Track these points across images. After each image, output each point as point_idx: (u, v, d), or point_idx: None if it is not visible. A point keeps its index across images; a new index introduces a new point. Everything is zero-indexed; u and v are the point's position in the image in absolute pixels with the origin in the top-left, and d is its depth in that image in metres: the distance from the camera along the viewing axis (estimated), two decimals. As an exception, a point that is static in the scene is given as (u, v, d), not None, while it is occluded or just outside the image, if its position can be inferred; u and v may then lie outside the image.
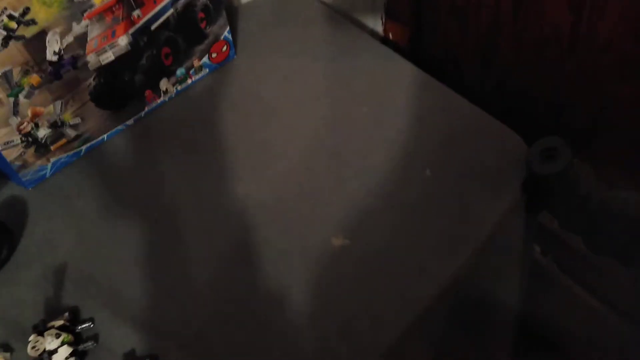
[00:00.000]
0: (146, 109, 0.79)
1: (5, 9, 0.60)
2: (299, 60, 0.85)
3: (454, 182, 0.69)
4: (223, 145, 0.76)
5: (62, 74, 0.68)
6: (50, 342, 0.58)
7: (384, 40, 1.21)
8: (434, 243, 0.64)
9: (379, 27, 1.20)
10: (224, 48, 0.83)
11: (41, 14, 0.63)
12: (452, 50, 1.11)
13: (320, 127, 0.77)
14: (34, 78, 0.66)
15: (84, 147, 0.75)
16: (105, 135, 0.77)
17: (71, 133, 0.73)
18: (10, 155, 0.69)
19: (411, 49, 1.18)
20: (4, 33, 0.61)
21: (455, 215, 0.67)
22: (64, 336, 0.59)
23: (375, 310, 0.60)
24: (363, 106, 0.78)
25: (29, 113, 0.68)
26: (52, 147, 0.72)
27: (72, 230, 0.70)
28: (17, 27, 0.62)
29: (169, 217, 0.70)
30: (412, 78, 0.81)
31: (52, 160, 0.73)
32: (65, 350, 0.58)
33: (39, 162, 0.72)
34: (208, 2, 0.77)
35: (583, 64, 0.91)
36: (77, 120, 0.73)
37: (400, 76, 0.82)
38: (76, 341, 0.59)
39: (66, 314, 0.61)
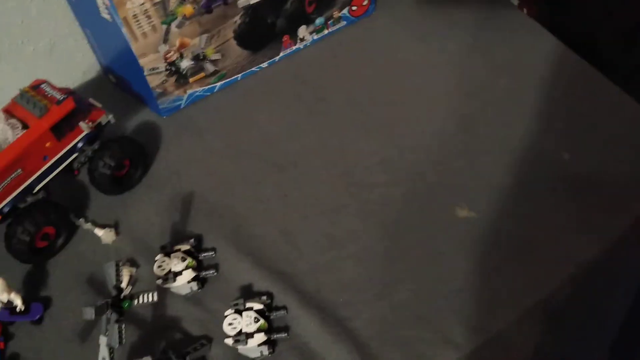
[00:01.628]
0: (281, 53, 0.80)
1: (174, -64, 0.61)
2: (439, 22, 0.83)
3: (594, 171, 0.66)
4: (353, 99, 0.75)
5: (212, 8, 0.69)
6: (176, 264, 0.60)
7: (519, 15, 1.15)
8: (563, 230, 0.62)
9: (514, 1, 1.15)
10: (365, 2, 0.82)
11: (205, -54, 0.63)
12: (591, 30, 1.05)
13: (455, 94, 0.75)
14: (188, 9, 0.67)
15: (218, 84, 0.77)
16: (239, 75, 0.78)
17: (210, 68, 0.75)
18: (153, 81, 0.71)
19: (548, 27, 1.13)
20: (169, -40, 0.62)
21: (592, 206, 0.63)
22: (188, 260, 0.61)
23: (487, 293, 0.58)
24: (502, 78, 0.75)
25: (177, 43, 0.70)
26: (190, 79, 0.74)
27: (201, 162, 0.72)
28: (182, -44, 0.63)
29: (292, 163, 0.70)
30: (557, 54, 0.77)
31: (189, 92, 0.75)
32: (189, 274, 0.60)
33: (176, 92, 0.74)
34: (359, -48, 0.76)
35: None
36: (218, 56, 0.74)
37: (544, 50, 0.78)
38: (198, 267, 0.62)
39: (192, 240, 0.63)
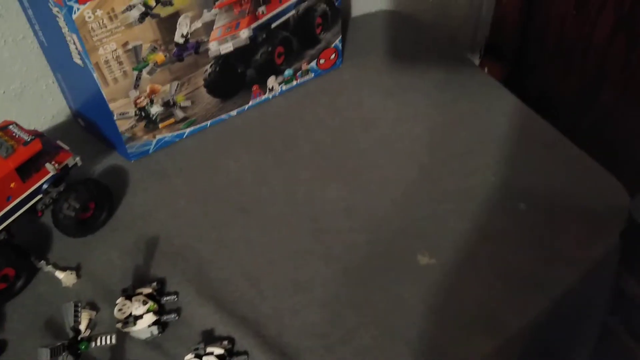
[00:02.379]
0: (251, 102, 0.82)
1: (149, -13, 0.63)
2: (404, 78, 0.86)
3: (549, 221, 0.68)
4: (320, 148, 0.77)
5: (184, 57, 0.71)
6: (137, 308, 0.60)
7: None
8: (521, 278, 0.63)
9: (475, 60, 1.21)
10: (333, 56, 0.85)
11: (178, -3, 0.66)
12: (549, 89, 1.10)
13: (418, 144, 0.77)
14: (159, 56, 0.69)
15: (187, 130, 0.78)
16: (209, 122, 0.79)
17: (180, 114, 0.76)
18: (122, 126, 0.72)
19: (509, 82, 1.18)
20: (143, 9, 0.64)
21: (546, 254, 0.65)
22: (150, 304, 0.60)
23: (449, 336, 0.59)
24: (462, 130, 0.78)
25: (148, 89, 0.71)
26: (160, 125, 0.75)
27: (167, 205, 0.72)
28: (155, 6, 0.65)
29: (259, 208, 0.71)
30: (515, 110, 0.81)
31: (158, 137, 0.76)
32: (150, 318, 0.60)
33: (145, 137, 0.75)
34: (327, 9, 0.79)
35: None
36: (188, 103, 0.76)
37: (503, 107, 0.81)
38: (160, 311, 0.61)
39: (154, 284, 0.63)
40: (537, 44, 1.08)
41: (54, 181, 0.65)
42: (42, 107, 0.79)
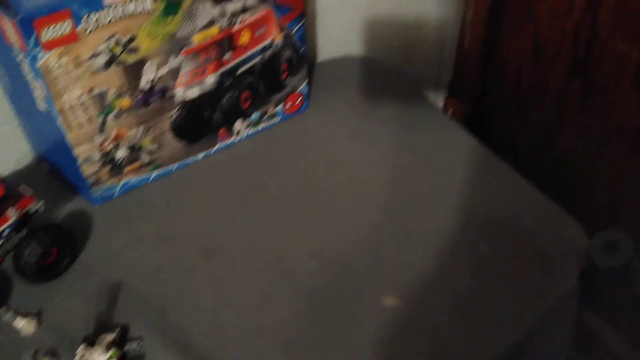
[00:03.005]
0: (217, 146, 0.82)
1: (114, 34, 0.64)
2: (369, 121, 0.88)
3: (510, 261, 0.69)
4: (286, 190, 0.78)
5: (150, 102, 0.72)
6: (99, 355, 0.59)
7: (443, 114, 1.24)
8: (483, 318, 0.64)
9: (439, 101, 1.24)
10: (299, 100, 0.87)
11: (145, 44, 0.67)
12: (511, 131, 1.13)
13: (382, 186, 0.79)
14: (125, 101, 0.70)
15: (153, 174, 0.78)
16: (174, 165, 0.80)
17: (145, 158, 0.76)
18: (87, 170, 0.72)
19: (468, 125, 1.21)
20: (109, 56, 0.65)
21: (507, 294, 0.66)
22: (112, 351, 0.59)
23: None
24: (426, 172, 0.80)
25: (113, 133, 0.71)
26: (125, 169, 0.75)
27: (131, 250, 0.72)
28: (121, 53, 0.66)
29: (224, 252, 0.71)
30: (476, 153, 0.83)
31: (123, 181, 0.76)
32: (112, 366, 0.59)
33: (110, 181, 0.75)
34: (293, 55, 0.81)
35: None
36: (154, 146, 0.76)
37: (465, 150, 0.83)
38: (123, 358, 0.60)
39: (117, 330, 0.62)
40: (497, 86, 1.11)
41: (16, 227, 0.64)
42: (6, 152, 0.79)
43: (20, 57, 0.62)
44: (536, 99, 1.04)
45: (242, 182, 0.80)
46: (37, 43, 0.60)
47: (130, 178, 0.77)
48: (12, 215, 0.62)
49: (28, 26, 0.59)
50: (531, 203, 0.76)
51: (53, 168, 0.77)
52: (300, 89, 0.86)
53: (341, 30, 1.00)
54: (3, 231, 0.63)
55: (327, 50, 1.00)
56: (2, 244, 0.64)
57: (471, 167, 0.81)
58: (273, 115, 0.86)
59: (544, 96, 1.02)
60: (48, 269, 0.67)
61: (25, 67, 0.63)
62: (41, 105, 0.67)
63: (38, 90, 0.65)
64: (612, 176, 0.97)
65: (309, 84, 0.92)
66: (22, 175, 0.80)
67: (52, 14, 0.59)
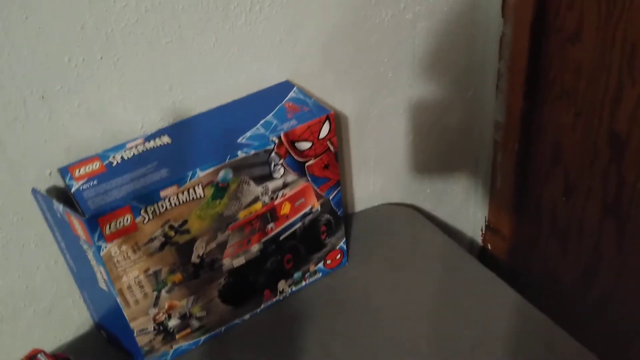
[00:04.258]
0: (262, 305, 0.86)
1: (169, 220, 0.71)
2: (406, 273, 0.91)
3: None
4: (329, 349, 0.80)
5: (200, 274, 0.77)
6: None
7: (483, 250, 1.26)
8: None
9: (478, 237, 1.27)
10: (338, 256, 0.91)
11: (195, 226, 0.73)
12: (552, 269, 1.14)
13: (424, 344, 0.80)
14: (177, 276, 0.75)
15: (203, 337, 0.82)
16: (223, 328, 0.84)
17: (195, 324, 0.81)
18: (142, 341, 0.77)
19: (510, 262, 1.23)
20: (163, 239, 0.72)
21: None
22: None
23: None
24: (466, 328, 0.82)
25: (166, 305, 0.76)
26: (177, 336, 0.80)
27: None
28: (175, 236, 0.72)
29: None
30: (516, 306, 0.85)
31: (175, 347, 0.80)
32: None
33: (163, 349, 0.79)
34: (331, 218, 0.87)
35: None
36: (203, 313, 0.80)
37: (504, 302, 0.85)
38: None
39: None
40: (534, 225, 1.14)
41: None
42: (68, 321, 0.84)
43: (85, 246, 0.69)
44: (574, 237, 1.06)
45: (286, 342, 0.83)
46: (101, 236, 0.67)
47: (181, 344, 0.81)
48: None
49: (94, 223, 0.66)
50: (572, 357, 0.77)
51: (111, 336, 0.82)
52: (339, 246, 0.91)
53: (377, 178, 1.06)
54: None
55: (363, 200, 1.05)
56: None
57: (511, 322, 0.82)
58: (314, 273, 0.90)
59: (580, 235, 1.04)
60: None
61: (90, 254, 0.70)
62: (102, 285, 0.73)
63: (100, 274, 0.71)
64: (657, 317, 0.96)
65: (347, 237, 0.97)
66: (82, 341, 0.85)
67: (114, 211, 0.66)
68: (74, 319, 0.85)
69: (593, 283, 1.05)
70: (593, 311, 1.07)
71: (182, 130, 0.77)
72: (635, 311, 0.99)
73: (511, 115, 1.06)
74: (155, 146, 0.74)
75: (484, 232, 1.25)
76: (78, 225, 0.67)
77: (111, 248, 0.68)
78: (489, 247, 1.26)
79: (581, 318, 1.10)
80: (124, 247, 0.69)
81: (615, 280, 1.01)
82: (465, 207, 1.21)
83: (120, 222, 0.67)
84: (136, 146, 0.74)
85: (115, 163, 0.72)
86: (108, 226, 0.67)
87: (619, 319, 1.02)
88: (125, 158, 0.73)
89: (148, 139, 0.76)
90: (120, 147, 0.75)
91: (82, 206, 0.67)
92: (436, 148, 1.10)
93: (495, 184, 1.16)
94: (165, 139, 0.76)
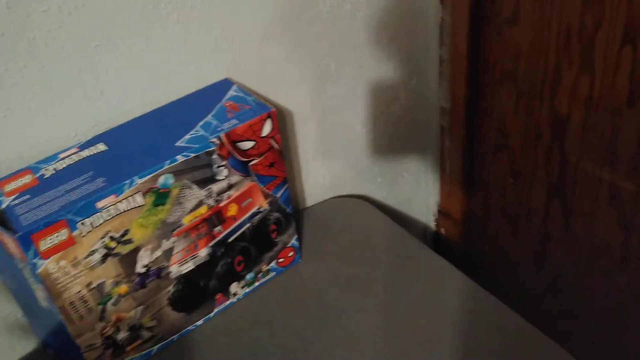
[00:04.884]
0: (215, 310, 0.85)
1: (109, 231, 0.68)
2: (359, 266, 0.91)
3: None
4: (284, 347, 0.79)
5: (147, 284, 0.75)
6: None
7: (437, 235, 1.27)
8: None
9: (431, 223, 1.27)
10: (291, 254, 0.90)
11: (138, 235, 0.71)
12: (504, 250, 1.16)
13: (380, 337, 0.80)
14: (123, 288, 0.73)
15: (155, 347, 0.80)
16: (176, 336, 0.82)
17: (146, 334, 0.78)
18: (90, 357, 0.74)
19: (463, 245, 1.24)
20: (105, 251, 0.69)
21: None
22: None
23: None
24: (421, 319, 0.82)
25: (113, 318, 0.74)
26: (128, 349, 0.77)
27: None
28: (116, 246, 0.70)
29: None
30: (467, 290, 0.85)
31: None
32: None
33: (114, 362, 0.77)
34: (280, 216, 0.85)
35: (636, 278, 0.93)
36: (154, 322, 0.78)
37: (457, 289, 0.86)
38: None
39: None
40: (484, 208, 1.15)
41: None
42: (13, 341, 0.81)
43: (21, 265, 0.66)
44: (523, 218, 1.07)
45: (241, 345, 0.81)
46: (36, 254, 0.64)
47: (132, 355, 0.78)
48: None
49: (27, 241, 0.63)
50: (525, 338, 0.78)
51: (58, 353, 0.79)
52: (291, 243, 0.90)
53: (327, 172, 1.05)
54: None
55: (313, 195, 1.04)
56: None
57: (464, 307, 0.83)
58: (267, 272, 0.89)
59: (529, 216, 1.05)
60: None
61: (26, 273, 0.66)
62: (43, 302, 0.70)
63: (39, 292, 0.68)
64: (605, 291, 0.98)
65: (299, 233, 0.96)
66: (28, 361, 0.82)
67: (48, 227, 0.63)
68: (18, 338, 0.81)
69: (543, 262, 1.07)
70: (545, 290, 1.09)
71: (118, 137, 0.74)
72: (585, 288, 1.01)
73: (455, 100, 1.06)
74: (90, 155, 0.71)
75: (437, 217, 1.26)
76: (11, 244, 0.64)
77: (48, 265, 0.65)
78: (443, 231, 1.27)
79: (534, 297, 1.12)
80: (62, 263, 0.66)
81: (564, 259, 1.03)
82: (417, 193, 1.21)
83: (56, 237, 0.64)
84: (70, 156, 0.71)
85: (48, 175, 0.69)
86: (43, 242, 0.64)
87: (569, 296, 1.04)
88: (59, 169, 0.70)
89: (82, 147, 0.73)
90: (53, 157, 0.71)
91: (14, 223, 0.64)
92: (384, 137, 1.09)
93: (444, 169, 1.17)
94: (101, 147, 0.73)
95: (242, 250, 0.83)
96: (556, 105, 0.91)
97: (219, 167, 0.75)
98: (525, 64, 0.93)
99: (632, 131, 0.82)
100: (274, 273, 0.90)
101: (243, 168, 0.77)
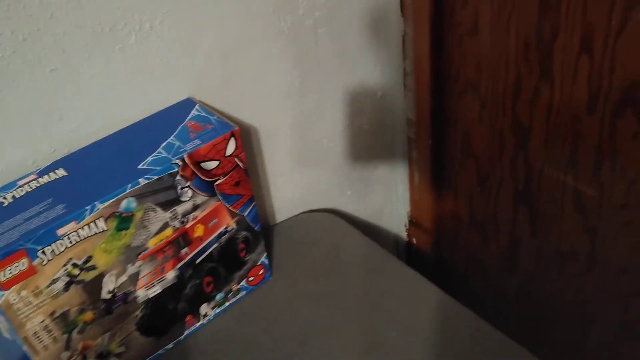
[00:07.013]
0: (185, 332, 0.83)
1: (71, 259, 0.67)
2: (330, 281, 0.90)
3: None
4: (258, 371, 0.79)
5: (113, 310, 0.73)
6: None
7: (409, 245, 1.28)
8: None
9: (403, 233, 1.28)
10: (261, 272, 0.89)
11: (101, 260, 0.70)
12: (475, 257, 1.17)
13: (354, 352, 0.80)
14: (88, 315, 0.71)
15: (125, 374, 0.79)
16: (145, 360, 0.80)
17: (115, 361, 0.77)
18: (57, 386, 0.72)
19: (435, 254, 1.24)
20: (68, 279, 0.68)
21: None
22: None
23: None
24: (392, 331, 0.82)
25: (80, 346, 0.72)
26: (96, 376, 0.76)
27: None
28: (79, 273, 0.68)
29: None
30: (439, 302, 0.85)
31: (95, 388, 0.76)
32: None
33: (82, 391, 0.75)
34: (248, 234, 0.85)
35: (602, 282, 0.95)
36: (122, 348, 0.77)
37: (427, 300, 0.86)
38: None
39: None
40: (454, 217, 1.15)
41: None
42: (-25, 374, 0.78)
43: (-20, 297, 0.64)
44: (491, 225, 1.08)
45: (214, 367, 0.80)
46: (-5, 285, 0.62)
47: (101, 383, 0.77)
48: None
49: (-15, 272, 0.61)
50: (497, 347, 0.78)
51: (23, 385, 0.77)
52: (260, 261, 0.89)
53: (296, 187, 1.04)
54: None
55: (283, 210, 1.04)
56: None
57: (436, 319, 0.83)
58: (238, 291, 0.88)
59: (497, 223, 1.06)
60: None
61: (-14, 304, 0.65)
62: (5, 334, 0.68)
63: (1, 323, 0.66)
64: (573, 295, 0.99)
65: (269, 250, 0.96)
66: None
67: (7, 257, 0.62)
68: (-19, 372, 0.79)
69: (514, 269, 1.08)
70: (516, 296, 1.10)
71: (78, 161, 0.73)
72: (554, 292, 1.02)
73: (421, 111, 1.07)
74: (49, 181, 0.70)
75: (408, 227, 1.26)
76: (-31, 278, 0.62)
77: (9, 296, 0.64)
78: (414, 241, 1.27)
79: (506, 304, 1.13)
80: (23, 293, 0.65)
81: (533, 264, 1.04)
82: (387, 204, 1.21)
83: (15, 268, 0.63)
84: (28, 183, 0.70)
85: (6, 204, 0.67)
86: (2, 273, 0.62)
87: (540, 301, 1.05)
88: (17, 197, 0.68)
89: (41, 173, 0.71)
90: (11, 185, 0.70)
91: (-29, 254, 0.62)
92: (353, 150, 1.09)
93: (413, 179, 1.17)
94: (61, 172, 0.71)
95: (211, 271, 0.82)
96: (518, 114, 0.92)
97: (183, 188, 0.74)
98: (487, 73, 0.94)
99: (591, 138, 0.84)
100: (245, 292, 0.89)
101: (208, 188, 0.76)
